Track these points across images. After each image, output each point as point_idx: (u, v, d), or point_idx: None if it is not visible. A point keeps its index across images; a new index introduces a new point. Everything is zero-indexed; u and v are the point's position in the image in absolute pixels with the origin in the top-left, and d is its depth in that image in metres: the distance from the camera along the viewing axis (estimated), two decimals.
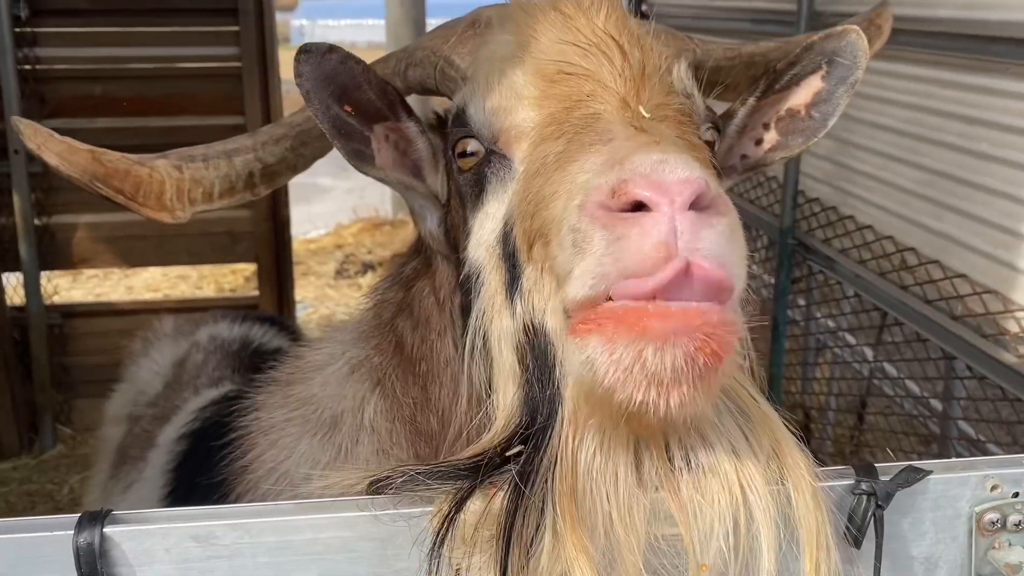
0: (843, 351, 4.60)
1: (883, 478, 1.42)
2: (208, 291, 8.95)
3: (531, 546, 1.29)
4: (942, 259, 3.35)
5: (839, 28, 1.80)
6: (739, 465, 1.32)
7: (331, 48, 1.66)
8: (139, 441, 2.93)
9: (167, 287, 9.06)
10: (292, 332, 3.78)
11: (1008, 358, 2.93)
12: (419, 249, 2.02)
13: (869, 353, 4.26)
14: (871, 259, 3.79)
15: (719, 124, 1.78)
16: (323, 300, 9.15)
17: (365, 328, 2.06)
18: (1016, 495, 1.46)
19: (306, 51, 1.64)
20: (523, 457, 1.35)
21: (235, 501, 2.01)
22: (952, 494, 1.45)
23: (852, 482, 1.41)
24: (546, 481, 1.30)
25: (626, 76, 1.54)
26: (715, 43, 2.16)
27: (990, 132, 3.12)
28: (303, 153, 1.99)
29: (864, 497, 1.40)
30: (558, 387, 1.37)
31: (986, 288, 3.09)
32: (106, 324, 6.05)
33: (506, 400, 1.47)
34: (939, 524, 1.45)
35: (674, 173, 1.20)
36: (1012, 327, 2.96)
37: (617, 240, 1.20)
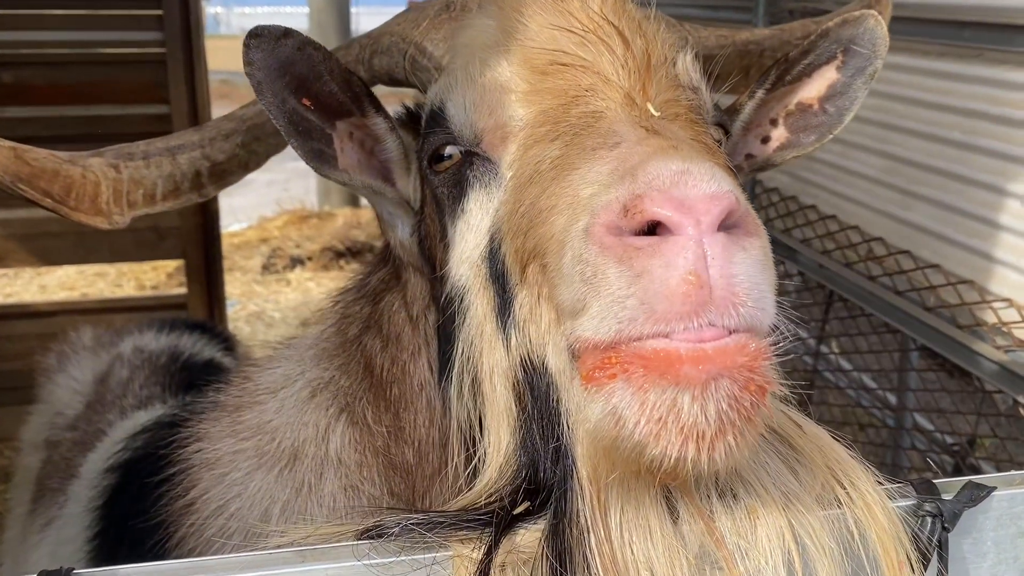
0: (796, 345, 4.56)
1: (943, 496, 1.31)
2: (129, 289, 8.53)
3: None
4: (912, 249, 3.30)
5: (856, 13, 1.65)
6: (786, 503, 1.19)
7: (287, 32, 1.46)
8: (58, 470, 2.64)
9: (84, 285, 8.60)
10: (224, 340, 3.49)
11: (986, 349, 2.88)
12: (386, 258, 1.81)
13: (832, 346, 4.23)
14: (835, 249, 3.73)
15: (726, 123, 1.61)
16: (250, 296, 8.82)
17: (327, 346, 1.84)
18: None
19: (257, 35, 1.44)
20: (547, 527, 1.19)
21: (177, 546, 1.78)
22: (1016, 511, 1.35)
23: (914, 502, 1.29)
24: (585, 557, 1.14)
25: (629, 68, 1.35)
26: (706, 30, 2.01)
27: (963, 120, 3.06)
28: (256, 150, 1.80)
29: (929, 518, 1.28)
30: (567, 440, 1.20)
31: (961, 278, 3.04)
32: (21, 327, 5.66)
33: (499, 443, 1.31)
34: (1001, 544, 1.36)
35: (698, 187, 1.03)
36: (989, 318, 2.91)
37: (638, 277, 1.03)
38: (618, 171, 1.13)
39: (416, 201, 1.65)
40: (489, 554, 1.15)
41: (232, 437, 1.83)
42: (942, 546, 1.28)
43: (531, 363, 1.25)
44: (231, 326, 7.11)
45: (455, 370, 1.40)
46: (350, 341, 1.80)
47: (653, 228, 1.05)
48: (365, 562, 1.16)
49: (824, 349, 4.36)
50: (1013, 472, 1.37)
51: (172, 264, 8.38)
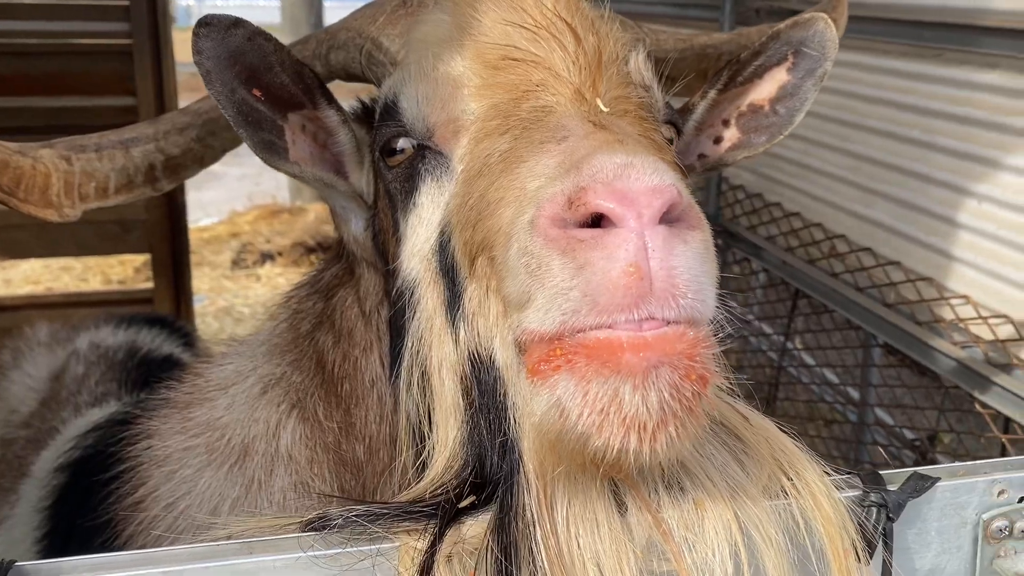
0: (760, 340, 4.60)
1: (889, 486, 1.32)
2: (95, 283, 8.44)
3: None
4: (873, 247, 3.33)
5: (806, 15, 1.68)
6: (732, 494, 1.19)
7: (236, 22, 1.45)
8: (11, 469, 2.58)
9: (49, 279, 8.50)
10: (185, 335, 3.44)
11: (943, 345, 2.92)
12: (340, 254, 1.81)
13: (796, 342, 4.26)
14: (799, 246, 3.77)
15: (678, 122, 1.63)
16: (219, 292, 8.75)
17: (279, 341, 1.83)
18: (1022, 500, 1.38)
19: (206, 24, 1.44)
20: (493, 520, 1.19)
21: (125, 544, 1.76)
22: (959, 501, 1.36)
23: (860, 492, 1.30)
24: (530, 551, 1.14)
25: (580, 64, 1.37)
26: (665, 32, 2.03)
27: (922, 119, 3.10)
28: (211, 144, 1.78)
29: (874, 509, 1.29)
30: (514, 434, 1.21)
31: (920, 275, 3.08)
32: None
33: (446, 438, 1.31)
34: (944, 534, 1.37)
35: (640, 180, 1.05)
36: (947, 314, 2.94)
37: (581, 269, 1.05)
38: (564, 164, 1.14)
39: (369, 195, 1.65)
40: (434, 544, 1.15)
41: (182, 434, 1.82)
42: (887, 536, 1.30)
43: (479, 357, 1.26)
44: (199, 321, 7.05)
45: (404, 364, 1.40)
46: (302, 337, 1.79)
47: (597, 220, 1.06)
48: (311, 553, 1.15)
49: (789, 345, 4.40)
50: (956, 463, 1.39)
51: (140, 259, 8.29)
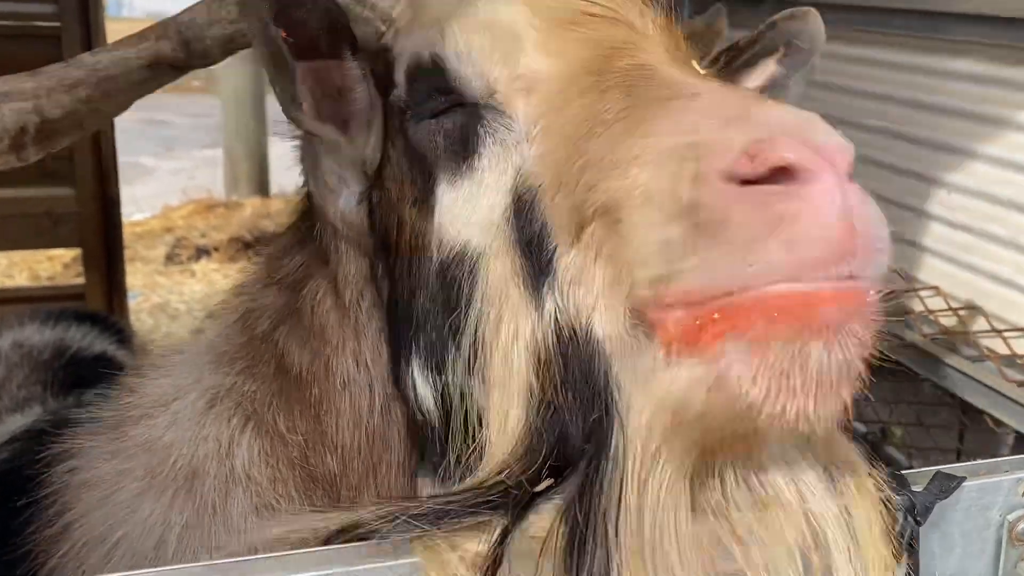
0: None
1: (913, 487, 1.24)
2: (21, 280, 8.09)
3: None
4: None
5: (802, 8, 1.67)
6: (801, 489, 1.11)
7: None
8: None
9: None
10: (118, 331, 3.21)
11: (912, 336, 2.87)
12: (303, 240, 1.63)
13: None
14: None
15: None
16: (153, 288, 8.47)
17: (228, 348, 1.64)
18: None
19: None
20: (571, 498, 1.08)
21: None
22: (984, 502, 1.29)
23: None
24: (606, 535, 1.04)
25: (660, 24, 1.33)
26: None
27: (892, 108, 3.05)
28: (101, 108, 1.57)
29: (900, 512, 1.20)
30: (616, 412, 1.10)
31: (889, 267, 3.03)
32: None
33: (504, 422, 1.18)
34: (968, 537, 1.30)
35: (827, 136, 1.01)
36: (916, 306, 2.90)
37: (780, 220, 0.97)
38: (720, 119, 1.05)
39: (373, 163, 1.47)
40: (503, 539, 1.06)
41: (116, 457, 1.62)
42: (913, 539, 1.21)
43: (571, 330, 1.14)
44: (134, 318, 6.79)
45: (463, 344, 1.27)
46: (258, 338, 1.61)
47: (772, 176, 0.99)
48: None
49: None
50: (979, 462, 1.32)
51: (69, 254, 7.98)
